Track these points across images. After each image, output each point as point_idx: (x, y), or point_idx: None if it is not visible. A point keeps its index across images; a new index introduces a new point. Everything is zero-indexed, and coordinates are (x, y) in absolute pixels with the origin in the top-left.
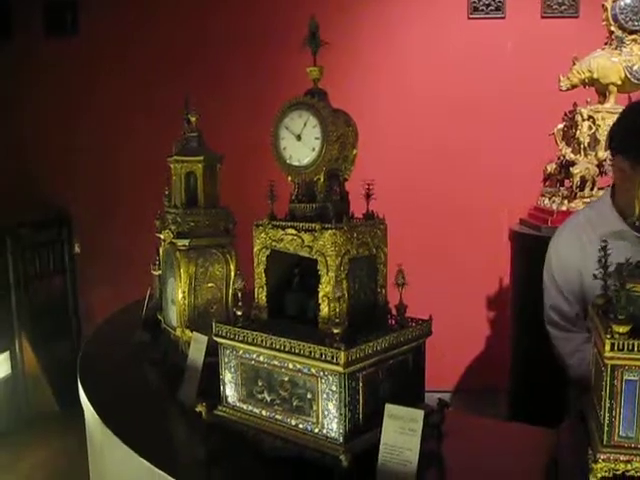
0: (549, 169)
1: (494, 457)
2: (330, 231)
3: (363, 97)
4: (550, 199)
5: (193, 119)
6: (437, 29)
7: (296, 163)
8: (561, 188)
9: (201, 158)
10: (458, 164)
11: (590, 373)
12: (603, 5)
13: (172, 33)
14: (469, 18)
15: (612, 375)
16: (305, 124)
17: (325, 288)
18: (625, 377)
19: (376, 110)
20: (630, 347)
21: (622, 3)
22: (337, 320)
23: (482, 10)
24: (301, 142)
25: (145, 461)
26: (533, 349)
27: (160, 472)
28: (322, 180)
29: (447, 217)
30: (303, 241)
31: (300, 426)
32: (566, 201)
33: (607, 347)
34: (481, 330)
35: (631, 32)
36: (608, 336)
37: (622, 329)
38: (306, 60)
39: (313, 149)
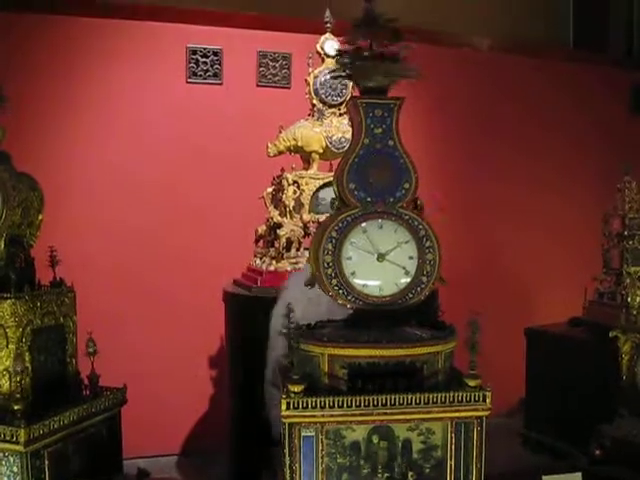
0: (260, 231)
1: None
2: (9, 301)
3: (72, 164)
4: (261, 259)
5: None
6: (156, 91)
7: None
8: (271, 249)
9: None
10: (178, 228)
11: None
12: (306, 80)
13: None
14: (187, 82)
15: (290, 433)
16: None
17: (5, 362)
18: (302, 434)
19: (86, 176)
20: (305, 405)
21: (322, 79)
22: (18, 395)
23: (200, 75)
24: None
25: None
26: (247, 410)
27: None
28: (2, 247)
29: (168, 279)
30: None
31: None
32: (274, 261)
33: (284, 406)
34: (204, 392)
35: (331, 106)
36: (284, 395)
37: (297, 388)
38: None
39: None
